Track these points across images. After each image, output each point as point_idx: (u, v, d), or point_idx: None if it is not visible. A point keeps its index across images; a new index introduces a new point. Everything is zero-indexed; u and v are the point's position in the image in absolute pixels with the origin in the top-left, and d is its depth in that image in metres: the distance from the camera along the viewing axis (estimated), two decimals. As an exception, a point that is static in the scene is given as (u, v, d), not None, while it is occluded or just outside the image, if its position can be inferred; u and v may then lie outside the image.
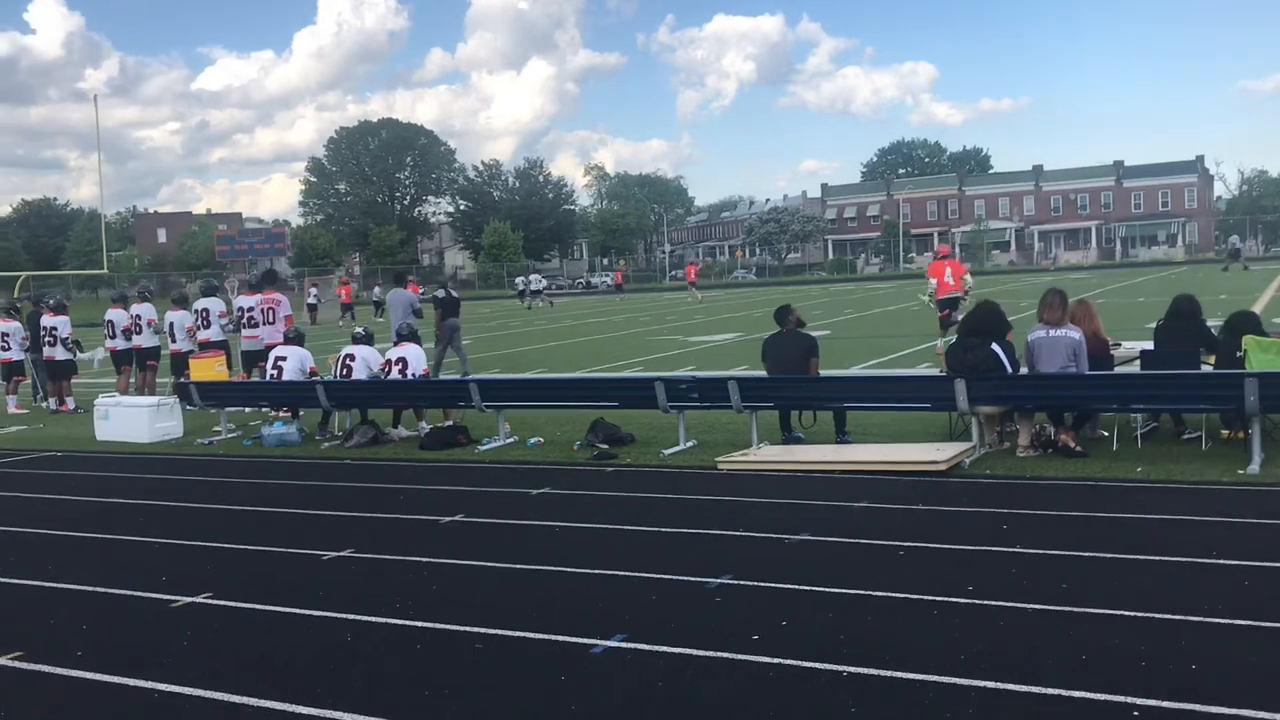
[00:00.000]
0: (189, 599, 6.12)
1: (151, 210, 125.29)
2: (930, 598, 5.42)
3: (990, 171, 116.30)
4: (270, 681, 4.76)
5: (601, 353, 22.63)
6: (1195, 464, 8.39)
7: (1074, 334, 9.16)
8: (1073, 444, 8.91)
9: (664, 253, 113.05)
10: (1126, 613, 5.03)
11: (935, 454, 8.85)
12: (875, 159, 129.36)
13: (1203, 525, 6.71)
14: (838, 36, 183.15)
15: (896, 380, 10.78)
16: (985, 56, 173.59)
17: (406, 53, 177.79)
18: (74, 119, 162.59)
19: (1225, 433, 9.21)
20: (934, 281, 18.93)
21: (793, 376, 10.28)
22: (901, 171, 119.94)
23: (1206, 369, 9.60)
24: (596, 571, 6.26)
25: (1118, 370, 9.77)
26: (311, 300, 46.45)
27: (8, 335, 17.24)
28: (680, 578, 6.03)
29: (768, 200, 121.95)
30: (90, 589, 6.49)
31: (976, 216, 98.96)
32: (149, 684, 4.76)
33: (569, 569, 6.37)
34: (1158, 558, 5.95)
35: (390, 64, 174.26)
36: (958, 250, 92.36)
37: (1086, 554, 6.08)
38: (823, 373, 11.34)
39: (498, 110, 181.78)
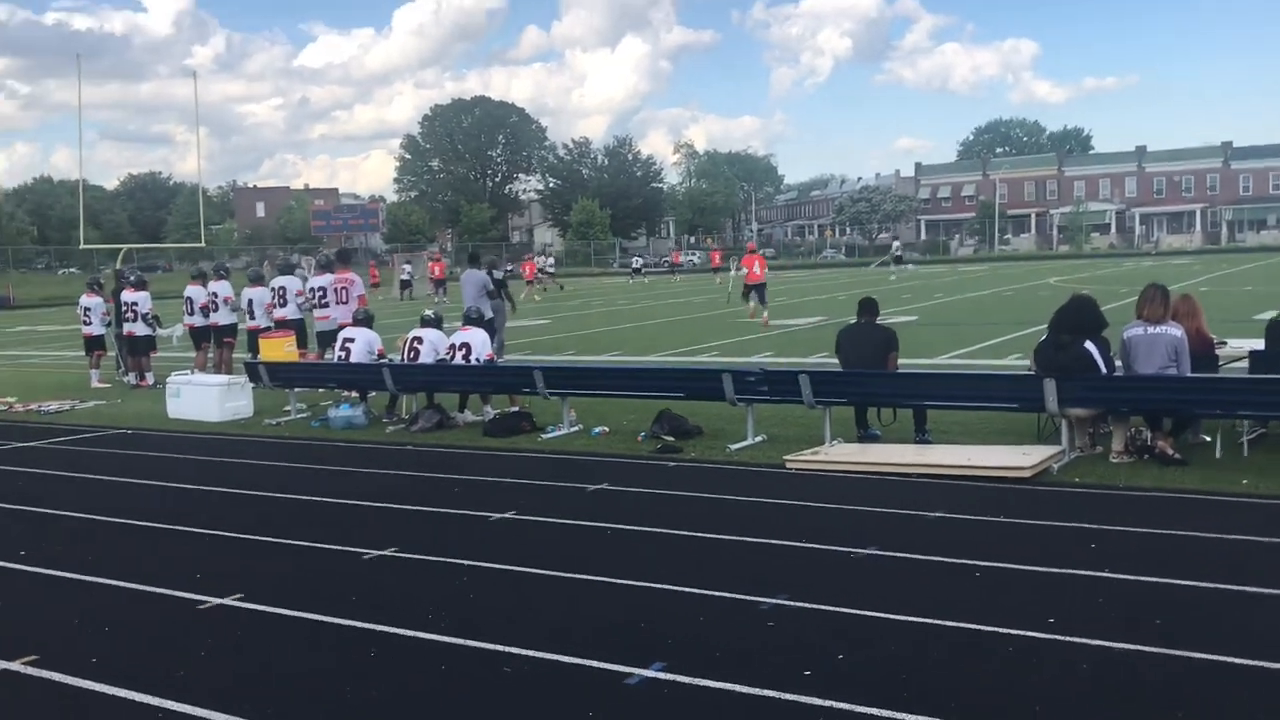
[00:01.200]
0: (218, 600, 5.86)
1: (251, 185, 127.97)
2: (1006, 630, 4.90)
3: (1091, 152, 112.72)
4: (278, 703, 4.46)
5: (679, 336, 22.20)
6: (1309, 477, 7.68)
7: (1175, 332, 8.47)
8: (1171, 451, 8.24)
9: (752, 231, 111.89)
10: (1231, 659, 4.46)
11: (1021, 459, 8.26)
12: (971, 138, 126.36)
13: (1317, 551, 6.06)
14: (937, 13, 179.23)
15: (980, 378, 10.14)
16: (1090, 33, 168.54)
17: (503, 31, 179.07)
18: (181, 95, 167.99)
19: (1343, 442, 8.46)
20: (745, 270, 25.59)
21: (868, 372, 9.73)
22: (999, 151, 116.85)
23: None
24: (643, 584, 5.85)
25: (1222, 372, 9.04)
26: (405, 276, 46.76)
27: (90, 310, 17.42)
28: (732, 595, 5.59)
29: (859, 179, 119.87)
30: (122, 584, 6.28)
31: (1076, 198, 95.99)
32: (156, 700, 4.48)
33: (615, 579, 5.98)
34: (1268, 590, 5.34)
35: (487, 42, 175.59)
36: (1056, 232, 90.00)
37: (1184, 582, 5.50)
38: (902, 366, 10.78)
39: (591, 88, 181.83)
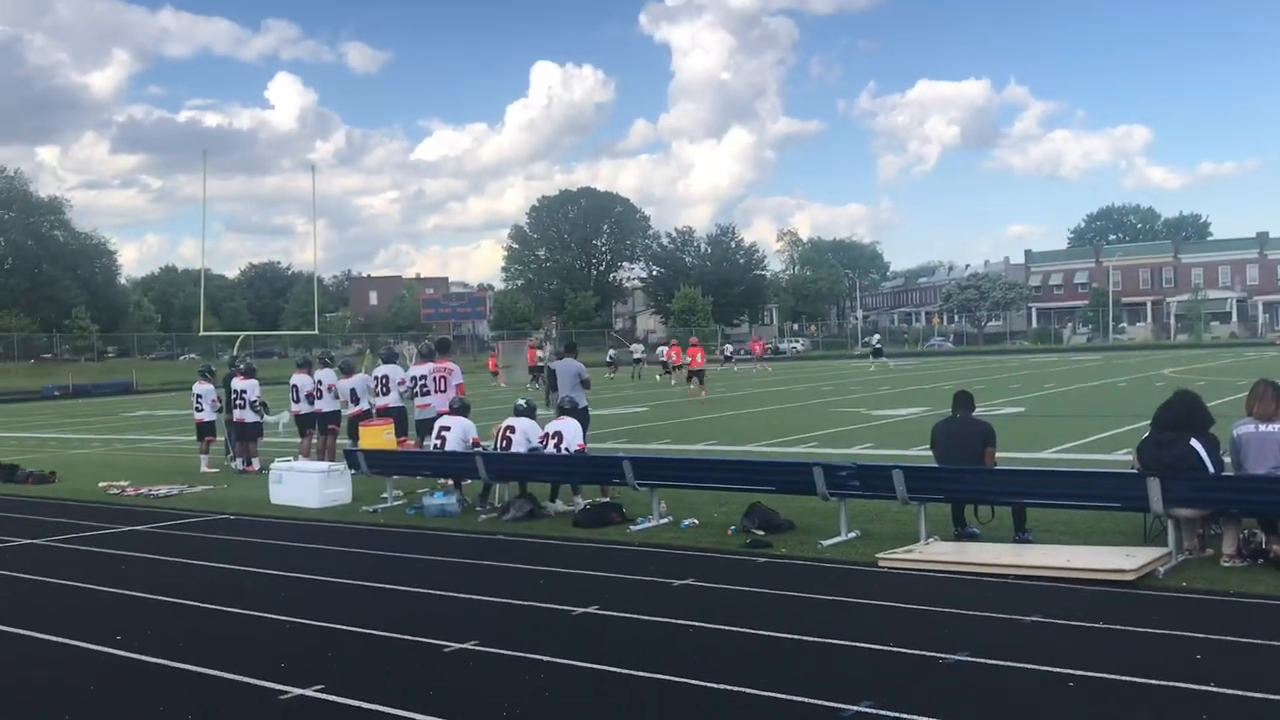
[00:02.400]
0: (299, 691, 5.90)
1: (366, 274, 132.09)
2: (1099, 747, 4.65)
3: (1209, 239, 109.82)
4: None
5: (777, 425, 22.01)
6: None
7: (1289, 431, 8.09)
8: (1288, 556, 7.81)
9: (856, 318, 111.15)
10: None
11: (1125, 561, 7.92)
12: (1083, 225, 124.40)
13: None
14: (1046, 100, 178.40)
15: (1081, 476, 9.78)
16: (1205, 118, 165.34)
17: (612, 124, 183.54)
18: (302, 188, 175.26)
19: None
20: (689, 359, 35.09)
21: (964, 467, 9.48)
22: (1112, 238, 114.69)
23: None
24: (721, 686, 5.71)
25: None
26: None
27: (201, 397, 18.03)
28: (813, 700, 5.42)
29: (967, 266, 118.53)
30: (207, 671, 6.37)
31: (1194, 285, 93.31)
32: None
33: (692, 680, 5.85)
34: (1387, 712, 4.98)
35: (596, 135, 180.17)
36: (1173, 320, 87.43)
37: (1297, 700, 5.16)
38: (1006, 460, 10.49)
39: (696, 178, 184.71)
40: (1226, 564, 8.02)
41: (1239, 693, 5.30)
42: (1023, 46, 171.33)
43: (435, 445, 12.93)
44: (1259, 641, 6.23)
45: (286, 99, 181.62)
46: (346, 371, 16.84)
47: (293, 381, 17.52)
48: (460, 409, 13.30)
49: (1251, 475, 8.14)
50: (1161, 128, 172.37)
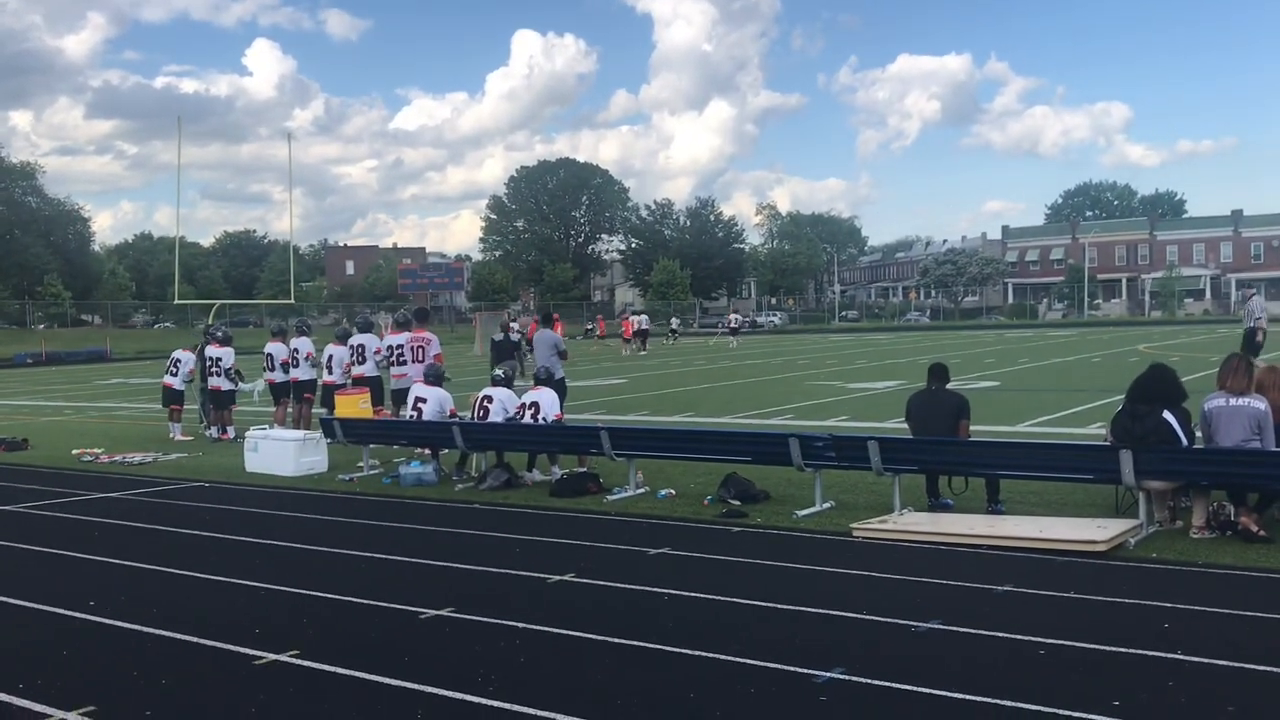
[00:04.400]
0: (274, 656, 5.90)
1: (343, 244, 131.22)
2: (1068, 712, 4.70)
3: (1185, 216, 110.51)
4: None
5: (755, 397, 22.07)
6: (1404, 559, 7.31)
7: (1258, 404, 8.19)
8: (1255, 528, 7.92)
9: (834, 293, 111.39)
10: (1305, 752, 4.23)
11: (1096, 532, 7.99)
12: (1060, 201, 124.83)
13: None
14: (1027, 76, 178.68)
15: (1054, 448, 9.86)
16: (1184, 96, 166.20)
17: (593, 94, 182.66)
18: (280, 156, 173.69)
19: None
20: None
21: (939, 439, 9.54)
22: (1089, 214, 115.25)
23: None
24: (695, 653, 5.75)
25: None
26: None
27: (179, 363, 17.90)
28: (787, 667, 5.46)
29: (945, 241, 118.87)
30: (182, 638, 6.35)
31: (1169, 263, 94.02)
32: (201, 756, 4.51)
33: (667, 647, 5.88)
34: (1350, 679, 5.06)
35: (577, 105, 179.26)
36: (1148, 297, 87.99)
37: (1262, 668, 5.24)
38: (980, 433, 10.57)
39: (677, 150, 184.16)
40: (1196, 535, 8.12)
41: (1206, 660, 5.38)
42: (1004, 22, 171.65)
43: (412, 415, 12.90)
44: (1226, 611, 6.30)
45: (265, 66, 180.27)
46: (340, 339, 16.63)
47: (267, 350, 17.43)
48: (436, 379, 13.26)
49: (1221, 448, 8.22)
50: (1141, 105, 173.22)
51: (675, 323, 61.16)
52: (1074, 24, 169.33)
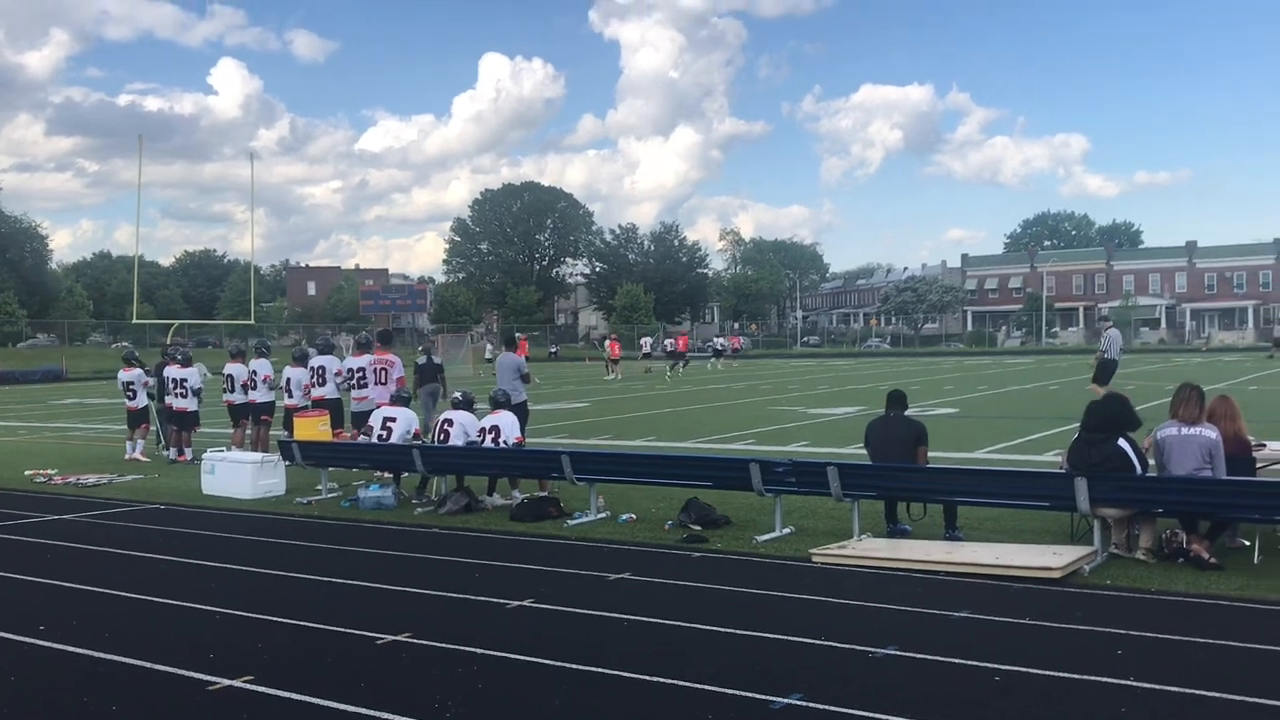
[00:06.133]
0: (228, 682, 5.83)
1: (305, 264, 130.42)
2: (1021, 739, 4.75)
3: (1141, 246, 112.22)
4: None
5: (717, 422, 22.13)
6: (1350, 587, 7.43)
7: (1210, 434, 8.33)
8: (1206, 555, 8.03)
9: (796, 318, 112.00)
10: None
11: (1052, 559, 8.08)
12: (1019, 230, 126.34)
13: (1355, 666, 5.83)
14: (988, 106, 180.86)
15: (1010, 475, 9.96)
16: (1142, 129, 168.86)
17: (560, 118, 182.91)
18: (244, 176, 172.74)
19: (1387, 551, 8.19)
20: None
21: (897, 465, 9.61)
22: (1047, 243, 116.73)
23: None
24: (653, 679, 5.75)
25: (1261, 475, 8.83)
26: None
27: (132, 384, 17.69)
28: (744, 693, 5.47)
29: (906, 269, 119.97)
30: (134, 662, 6.27)
31: (1125, 292, 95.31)
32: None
33: (626, 673, 5.87)
34: (1297, 705, 5.14)
35: (544, 129, 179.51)
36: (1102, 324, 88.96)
37: (1211, 694, 5.31)
38: (938, 460, 10.67)
39: (643, 175, 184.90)
40: (1143, 557, 8.23)
41: (1157, 687, 5.44)
42: (965, 54, 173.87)
43: (381, 436, 12.80)
44: (1178, 638, 6.39)
45: (230, 85, 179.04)
46: (298, 360, 16.44)
47: (226, 371, 17.26)
48: (404, 400, 13.21)
49: (1173, 476, 8.35)
50: (1099, 137, 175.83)
51: (647, 343, 61.16)
52: (1034, 57, 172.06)
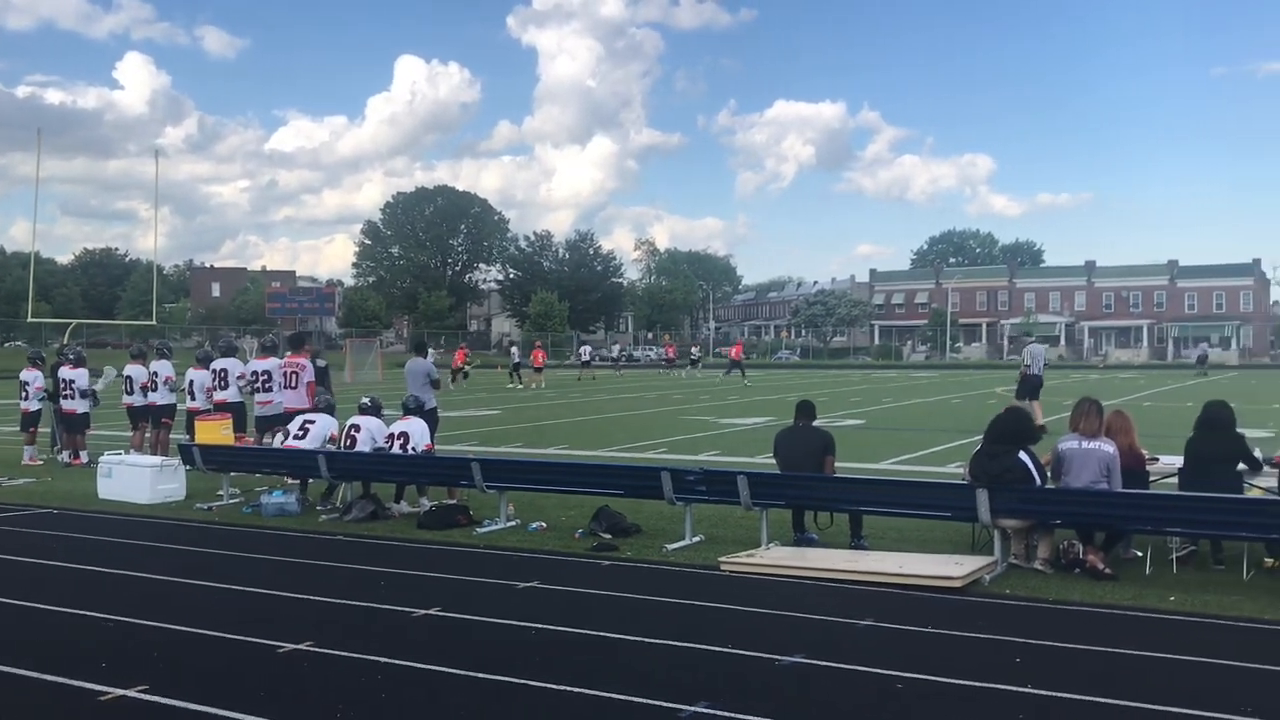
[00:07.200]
0: (121, 691, 5.65)
1: (210, 265, 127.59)
2: (922, 745, 4.82)
3: (1042, 265, 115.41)
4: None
5: (629, 431, 22.15)
6: (1234, 596, 7.71)
7: (1108, 448, 8.58)
8: (1101, 566, 8.26)
9: (709, 329, 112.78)
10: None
11: (953, 568, 8.23)
12: (926, 247, 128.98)
13: (1237, 672, 6.04)
14: (898, 126, 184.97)
15: (914, 486, 10.15)
16: (1045, 151, 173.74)
17: (476, 123, 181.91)
18: (148, 173, 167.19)
19: (1269, 561, 8.51)
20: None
21: (805, 475, 9.72)
22: (952, 260, 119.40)
23: (1255, 492, 8.96)
24: (559, 688, 5.71)
25: (1154, 489, 9.12)
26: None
27: (28, 385, 17.11)
28: (651, 701, 5.47)
29: (816, 283, 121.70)
30: (22, 673, 6.02)
31: (1026, 309, 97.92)
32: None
33: (531, 681, 5.83)
34: (1185, 710, 5.30)
35: (460, 134, 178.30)
36: (1006, 341, 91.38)
37: (1104, 700, 5.45)
38: (844, 470, 10.81)
39: (559, 183, 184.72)
40: (1040, 566, 8.44)
41: (1054, 694, 5.57)
42: (876, 74, 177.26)
43: (297, 436, 12.45)
44: (1075, 646, 6.55)
45: (137, 80, 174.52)
46: (202, 361, 16.00)
47: (126, 372, 16.79)
48: (328, 408, 12.96)
49: (1071, 489, 8.58)
50: (1004, 158, 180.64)
51: (586, 351, 60.51)
52: (943, 78, 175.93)
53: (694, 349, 66.19)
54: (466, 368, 43.96)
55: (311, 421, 12.58)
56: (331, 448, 12.33)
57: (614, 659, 6.37)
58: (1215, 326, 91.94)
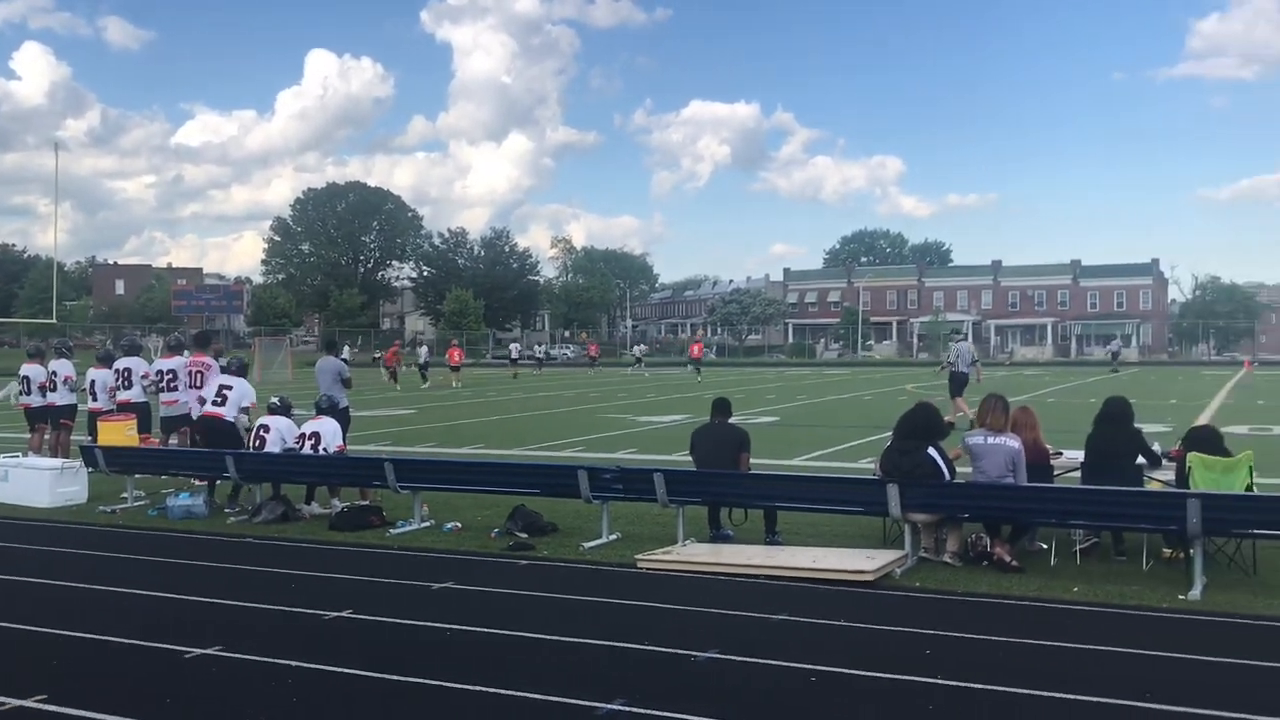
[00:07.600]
0: (17, 702, 5.47)
1: (113, 261, 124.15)
2: (836, 737, 4.89)
3: (950, 265, 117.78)
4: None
5: (546, 430, 22.08)
6: (1135, 586, 7.95)
7: (1013, 443, 8.78)
8: (1008, 558, 8.46)
9: (626, 327, 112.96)
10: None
11: (865, 562, 8.36)
12: (838, 247, 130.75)
13: (1138, 660, 6.23)
14: (811, 127, 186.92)
15: (827, 481, 10.30)
16: (953, 153, 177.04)
17: (389, 119, 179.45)
18: (48, 166, 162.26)
19: (1167, 552, 8.80)
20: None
21: (721, 472, 9.79)
22: (864, 260, 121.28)
23: (1154, 485, 9.25)
24: (475, 689, 5.67)
25: (1057, 483, 9.36)
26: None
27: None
28: (568, 700, 5.46)
29: (731, 281, 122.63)
30: (-89, 685, 5.81)
31: (935, 308, 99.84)
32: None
33: (446, 683, 5.78)
34: (1087, 697, 5.45)
35: (372, 129, 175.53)
36: (916, 340, 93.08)
37: (1010, 689, 5.58)
38: (759, 467, 10.91)
39: (474, 180, 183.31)
40: (950, 560, 8.61)
41: (960, 684, 5.69)
42: (790, 76, 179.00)
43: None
44: (983, 637, 6.70)
45: (35, 71, 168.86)
46: (102, 361, 15.50)
47: (23, 372, 16.24)
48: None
49: (978, 483, 8.77)
50: (913, 160, 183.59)
51: (515, 349, 60.14)
52: (854, 81, 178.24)
53: (638, 347, 66.23)
54: (397, 367, 43.43)
55: (229, 387, 12.33)
56: (247, 404, 12.45)
57: (531, 658, 6.34)
58: (1117, 325, 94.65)
